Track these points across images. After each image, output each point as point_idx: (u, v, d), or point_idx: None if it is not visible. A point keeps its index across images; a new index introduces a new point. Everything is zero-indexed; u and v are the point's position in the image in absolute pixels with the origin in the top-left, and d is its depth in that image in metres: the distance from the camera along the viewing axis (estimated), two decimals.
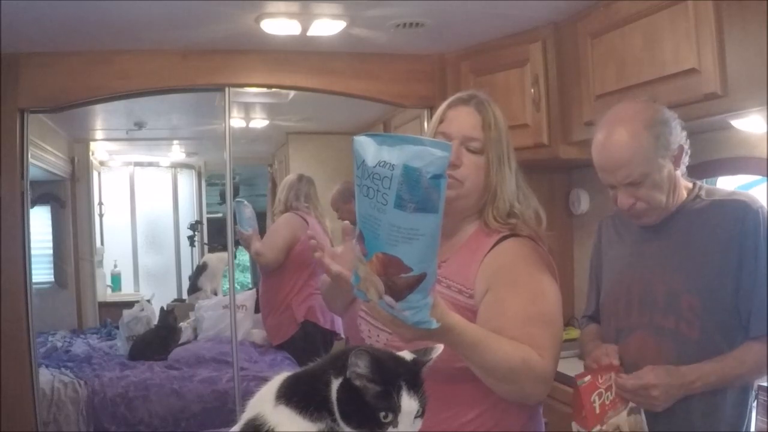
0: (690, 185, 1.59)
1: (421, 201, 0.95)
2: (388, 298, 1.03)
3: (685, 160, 1.55)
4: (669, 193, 1.51)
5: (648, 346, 1.53)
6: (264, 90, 3.40)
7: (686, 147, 1.54)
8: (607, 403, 1.47)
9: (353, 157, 1.01)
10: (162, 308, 4.01)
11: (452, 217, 1.48)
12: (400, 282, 1.01)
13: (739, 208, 1.48)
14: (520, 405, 1.38)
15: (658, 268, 1.55)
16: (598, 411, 1.45)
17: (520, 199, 1.46)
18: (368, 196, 0.98)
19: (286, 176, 4.03)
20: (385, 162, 0.96)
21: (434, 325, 1.07)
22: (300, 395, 0.85)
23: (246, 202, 3.45)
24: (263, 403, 0.87)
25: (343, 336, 2.04)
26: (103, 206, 4.83)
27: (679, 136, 1.51)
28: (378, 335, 1.46)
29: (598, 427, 1.44)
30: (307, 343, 3.63)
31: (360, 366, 0.83)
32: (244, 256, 5.00)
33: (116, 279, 4.94)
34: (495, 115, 1.45)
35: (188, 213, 5.15)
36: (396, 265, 1.00)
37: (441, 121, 1.48)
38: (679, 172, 1.54)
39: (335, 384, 0.84)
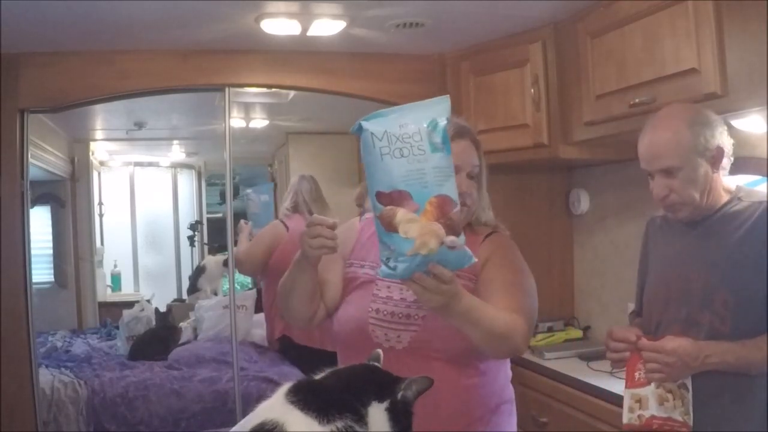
0: (732, 189, 1.65)
1: (443, 141, 1.18)
2: (449, 238, 1.16)
3: (725, 164, 1.61)
4: (704, 192, 1.58)
5: None
6: (264, 90, 3.39)
7: (728, 151, 1.60)
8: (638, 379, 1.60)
9: (363, 141, 1.17)
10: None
11: None
12: (455, 218, 1.18)
13: None
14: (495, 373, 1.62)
15: (696, 265, 1.62)
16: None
17: (487, 206, 1.69)
18: (403, 155, 1.16)
19: (285, 176, 4.01)
20: (406, 123, 1.18)
21: (474, 258, 1.24)
22: (319, 403, 0.89)
23: (252, 195, 3.41)
24: (273, 410, 0.88)
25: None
26: (103, 206, 4.82)
27: (719, 140, 1.57)
28: (399, 336, 1.53)
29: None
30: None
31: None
32: None
33: (116, 279, 4.93)
34: (479, 140, 1.65)
35: (188, 213, 5.14)
36: (448, 203, 1.18)
37: None
38: (718, 176, 1.60)
39: (381, 406, 0.93)
